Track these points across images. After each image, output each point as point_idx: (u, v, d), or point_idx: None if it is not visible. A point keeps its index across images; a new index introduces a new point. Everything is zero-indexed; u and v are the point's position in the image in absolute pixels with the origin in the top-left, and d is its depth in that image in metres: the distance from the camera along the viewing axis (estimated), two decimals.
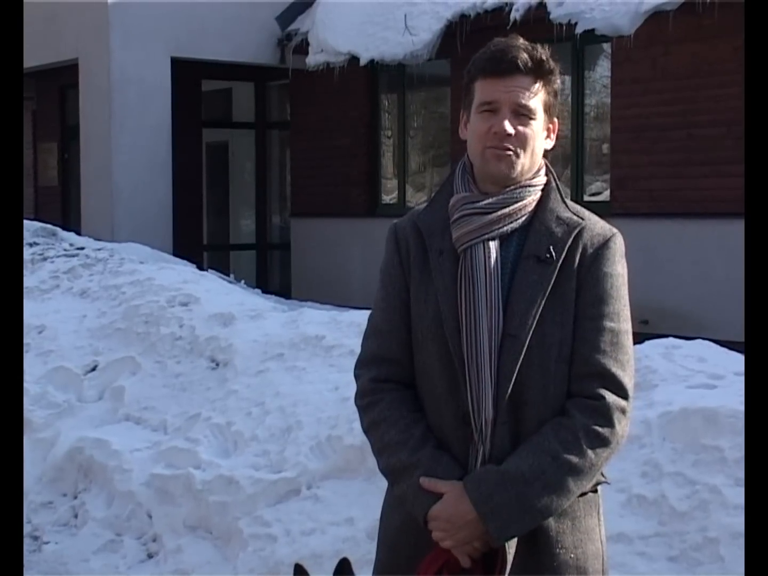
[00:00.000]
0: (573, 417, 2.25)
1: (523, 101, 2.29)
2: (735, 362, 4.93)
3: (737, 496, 3.96)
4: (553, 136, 2.40)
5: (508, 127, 2.29)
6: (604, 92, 10.43)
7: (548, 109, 2.35)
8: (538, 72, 2.31)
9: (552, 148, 2.43)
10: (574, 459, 2.23)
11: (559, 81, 2.37)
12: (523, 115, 2.30)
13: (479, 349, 2.26)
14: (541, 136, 2.35)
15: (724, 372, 4.86)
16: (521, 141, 2.30)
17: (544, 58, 2.31)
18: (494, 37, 2.40)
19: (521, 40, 2.34)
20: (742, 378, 4.52)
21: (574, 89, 10.50)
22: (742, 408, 4.17)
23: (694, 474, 4.18)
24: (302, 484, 4.95)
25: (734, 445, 4.18)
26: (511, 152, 2.30)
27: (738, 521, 3.84)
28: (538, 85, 2.31)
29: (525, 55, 2.29)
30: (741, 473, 4.01)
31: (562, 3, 9.76)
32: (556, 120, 2.40)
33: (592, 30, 9.53)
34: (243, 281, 10.79)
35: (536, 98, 2.31)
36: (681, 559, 3.94)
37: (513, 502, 2.21)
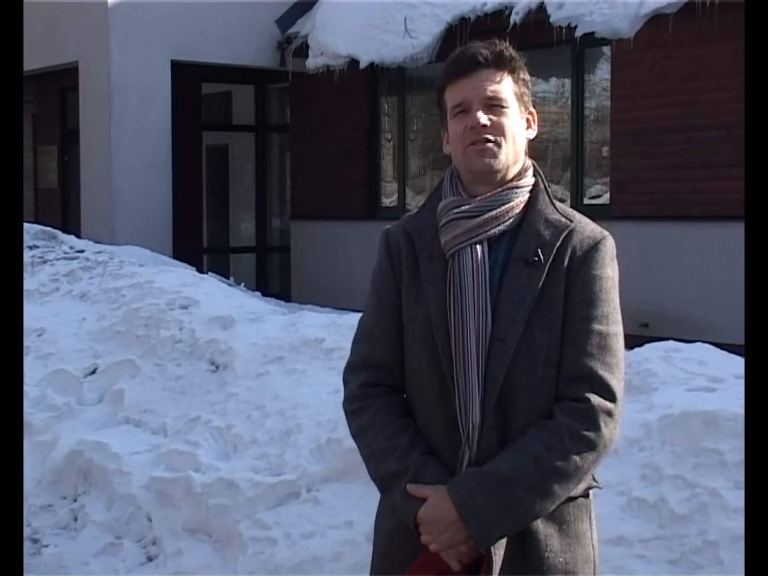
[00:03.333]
0: (557, 419, 2.23)
1: (491, 93, 2.30)
2: (735, 365, 4.93)
3: (737, 499, 3.95)
4: (535, 126, 2.40)
5: (483, 118, 2.29)
6: (604, 95, 10.42)
7: (521, 98, 2.35)
8: (499, 62, 2.32)
9: (534, 138, 2.42)
10: (557, 461, 2.20)
11: (526, 72, 2.36)
12: (495, 105, 2.31)
13: (467, 353, 2.25)
14: (519, 125, 2.35)
15: (724, 375, 4.86)
16: (498, 129, 2.30)
17: (502, 48, 2.33)
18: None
19: (479, 42, 2.36)
20: (742, 381, 4.52)
21: (573, 92, 10.51)
22: (742, 411, 4.17)
23: (694, 477, 4.17)
24: (302, 487, 4.94)
25: (734, 448, 4.18)
26: (491, 143, 2.30)
27: (738, 524, 3.84)
28: (502, 75, 2.32)
29: (484, 50, 2.31)
30: (741, 476, 4.01)
31: (562, 6, 9.76)
32: (533, 110, 2.40)
33: (592, 33, 9.54)
34: (243, 284, 10.78)
35: (504, 87, 2.31)
36: (681, 562, 3.94)
37: (494, 503, 2.20)
